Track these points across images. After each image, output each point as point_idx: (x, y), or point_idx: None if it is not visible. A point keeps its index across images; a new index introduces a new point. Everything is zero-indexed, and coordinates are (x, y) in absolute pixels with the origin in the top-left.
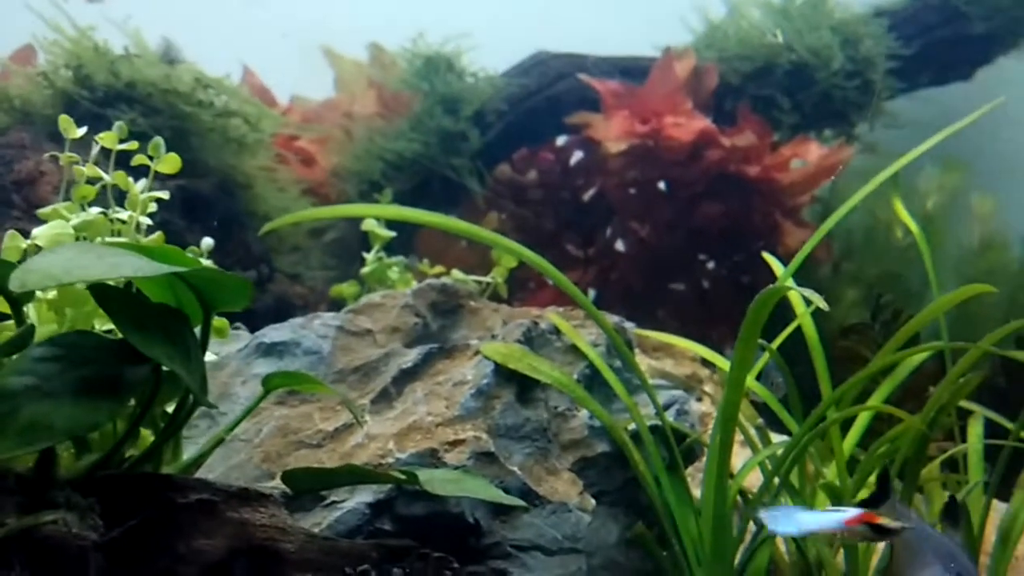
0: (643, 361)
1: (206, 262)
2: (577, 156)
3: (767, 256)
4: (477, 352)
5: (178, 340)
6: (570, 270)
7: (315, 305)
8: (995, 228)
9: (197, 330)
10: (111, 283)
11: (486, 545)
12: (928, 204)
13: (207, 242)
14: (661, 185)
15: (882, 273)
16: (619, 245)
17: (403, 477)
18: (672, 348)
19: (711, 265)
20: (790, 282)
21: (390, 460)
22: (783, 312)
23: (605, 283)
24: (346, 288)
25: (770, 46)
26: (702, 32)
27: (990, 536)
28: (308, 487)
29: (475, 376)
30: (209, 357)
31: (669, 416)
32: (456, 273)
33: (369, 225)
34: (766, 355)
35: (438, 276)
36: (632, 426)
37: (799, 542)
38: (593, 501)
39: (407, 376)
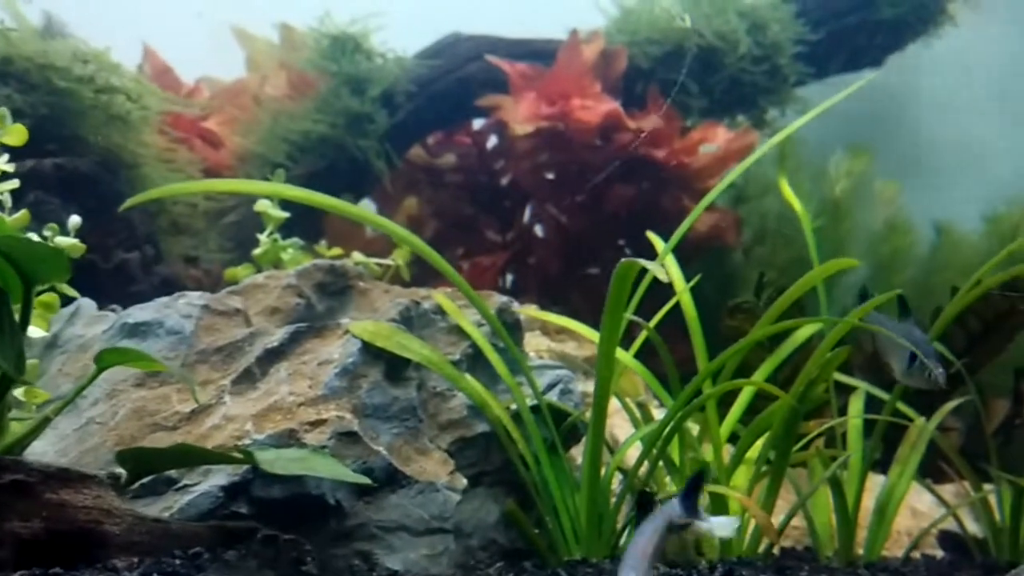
0: (543, 343)
1: (72, 241)
2: (494, 140)
3: (651, 235)
4: (348, 331)
5: None
6: (485, 254)
7: (211, 288)
8: (898, 212)
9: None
10: None
11: (350, 527)
12: (837, 189)
13: (74, 220)
14: (573, 169)
15: (793, 257)
16: (538, 230)
17: (240, 456)
18: (576, 331)
19: (628, 250)
20: (669, 258)
21: (247, 441)
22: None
23: (523, 267)
24: (240, 271)
25: (679, 30)
26: (616, 16)
27: (867, 509)
28: (143, 467)
29: (341, 355)
30: (36, 335)
31: (552, 396)
32: (356, 255)
33: (262, 206)
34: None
35: (337, 258)
36: (516, 406)
37: None
38: (464, 480)
39: (273, 356)
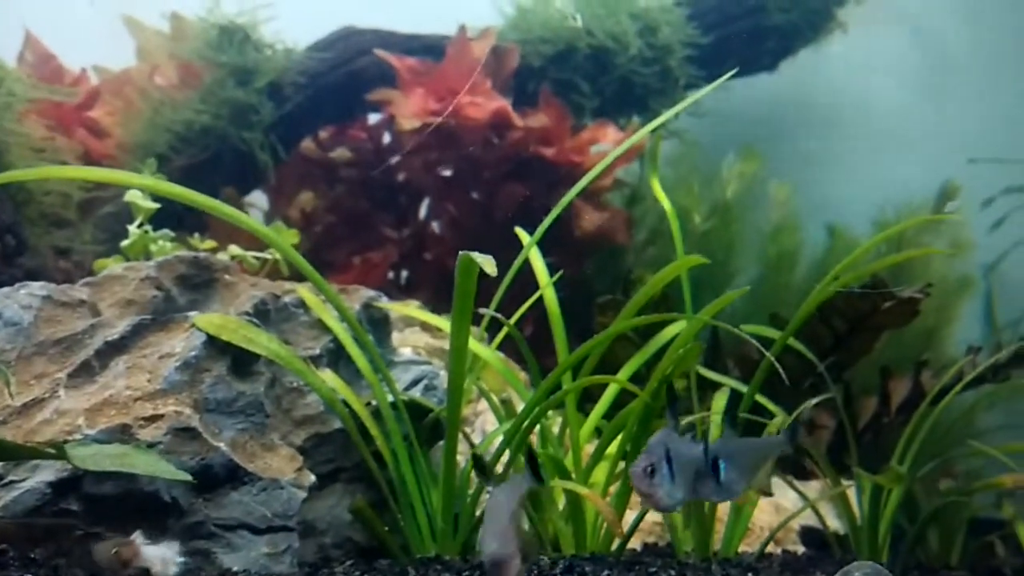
0: (423, 339)
1: None
2: (390, 135)
3: (519, 231)
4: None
5: None
6: (377, 250)
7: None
8: (788, 214)
9: None
10: None
11: (188, 524)
12: (728, 191)
13: None
14: (464, 165)
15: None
16: (436, 226)
17: (51, 451)
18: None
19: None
20: (535, 253)
21: (77, 436)
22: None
23: (419, 264)
24: (110, 263)
25: (570, 30)
26: (512, 15)
27: (728, 505)
28: None
29: (184, 348)
30: None
31: (416, 391)
32: (233, 248)
33: (132, 196)
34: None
35: (211, 251)
36: (379, 401)
37: (533, 516)
38: (313, 477)
39: (113, 349)
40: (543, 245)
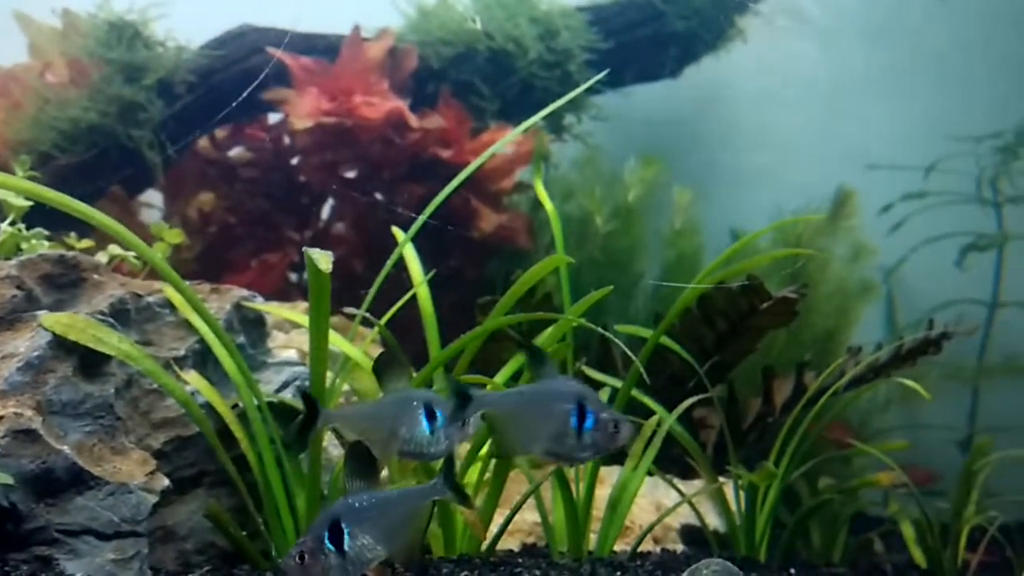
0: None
1: None
2: (288, 135)
3: (395, 229)
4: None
5: None
6: (276, 251)
7: None
8: (689, 218)
9: None
10: None
11: (28, 530)
12: (630, 195)
13: None
14: (364, 166)
15: (584, 258)
16: (340, 227)
17: None
18: (347, 330)
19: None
20: (410, 252)
21: None
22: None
23: None
24: None
25: (470, 32)
26: (413, 16)
27: (601, 503)
28: None
29: (28, 348)
30: None
31: (288, 393)
32: (113, 248)
33: (3, 194)
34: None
35: (87, 251)
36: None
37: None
38: (166, 481)
39: None
40: (445, 246)
